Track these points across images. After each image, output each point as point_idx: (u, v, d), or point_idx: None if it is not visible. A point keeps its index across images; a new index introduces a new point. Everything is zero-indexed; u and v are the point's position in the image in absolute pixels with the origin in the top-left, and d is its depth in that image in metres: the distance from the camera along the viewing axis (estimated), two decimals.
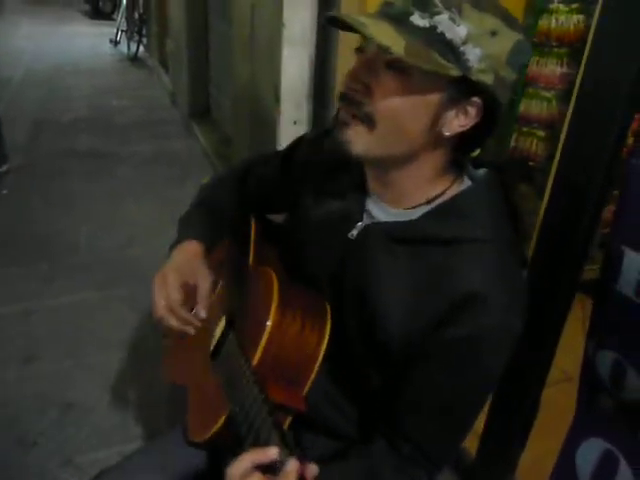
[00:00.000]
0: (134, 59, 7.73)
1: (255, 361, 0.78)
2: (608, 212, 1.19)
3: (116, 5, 10.10)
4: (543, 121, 2.66)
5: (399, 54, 0.65)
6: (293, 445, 0.62)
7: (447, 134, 0.73)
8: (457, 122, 0.72)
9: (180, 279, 0.91)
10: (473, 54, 0.67)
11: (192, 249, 0.98)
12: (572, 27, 2.44)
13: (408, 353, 0.77)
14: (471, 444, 1.56)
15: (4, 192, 3.45)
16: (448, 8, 0.67)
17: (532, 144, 2.72)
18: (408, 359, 0.78)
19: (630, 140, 1.03)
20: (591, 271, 1.23)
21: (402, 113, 0.71)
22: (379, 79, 0.71)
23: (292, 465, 0.59)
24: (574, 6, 2.42)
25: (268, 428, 0.66)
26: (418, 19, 0.67)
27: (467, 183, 0.81)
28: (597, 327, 1.09)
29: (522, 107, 2.75)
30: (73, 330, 2.29)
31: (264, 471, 0.61)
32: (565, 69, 2.54)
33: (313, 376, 0.80)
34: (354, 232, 0.84)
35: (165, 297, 0.89)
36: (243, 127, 3.15)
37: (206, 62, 4.86)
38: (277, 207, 1.10)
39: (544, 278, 1.20)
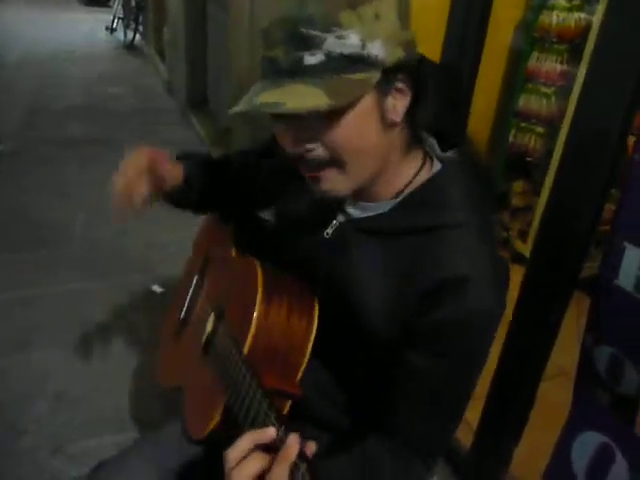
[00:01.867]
0: (130, 47, 7.68)
1: (246, 350, 0.79)
2: (607, 211, 1.19)
3: None
4: (542, 117, 2.67)
5: (328, 107, 0.64)
6: (289, 425, 0.62)
7: (398, 119, 0.72)
8: (399, 103, 0.72)
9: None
10: (375, 48, 0.66)
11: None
12: (573, 24, 2.45)
13: (393, 342, 0.77)
14: (466, 437, 1.57)
15: None
16: (328, 29, 0.64)
17: (530, 140, 2.73)
18: (394, 348, 0.78)
19: (633, 137, 1.02)
20: (587, 268, 1.23)
21: (356, 140, 0.71)
22: (320, 130, 0.69)
23: (292, 439, 0.60)
24: (575, 3, 2.42)
25: (264, 411, 0.67)
26: (310, 58, 0.65)
27: (437, 166, 0.80)
28: (596, 322, 1.10)
29: (521, 102, 2.76)
30: (66, 318, 2.28)
31: (264, 451, 0.62)
32: (565, 66, 2.54)
33: (306, 360, 0.81)
34: (329, 230, 0.85)
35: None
36: (241, 118, 3.13)
37: (204, 51, 4.82)
38: (255, 203, 1.10)
39: (543, 274, 1.20)
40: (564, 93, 2.54)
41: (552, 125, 2.64)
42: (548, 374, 1.36)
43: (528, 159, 2.76)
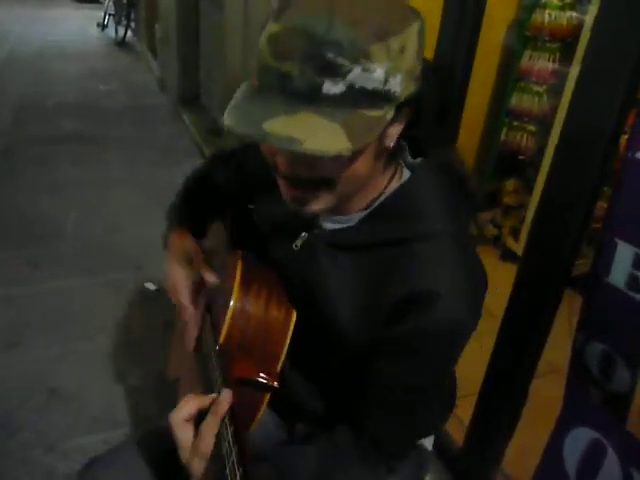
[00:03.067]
0: (122, 44, 7.63)
1: (222, 338, 0.79)
2: (599, 208, 1.20)
3: None
4: (534, 116, 2.68)
5: (349, 150, 0.60)
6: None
7: (392, 145, 0.71)
8: (396, 131, 0.70)
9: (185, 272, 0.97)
10: (396, 83, 0.62)
11: (180, 233, 1.03)
12: (565, 22, 2.46)
13: (363, 350, 0.78)
14: (458, 434, 1.58)
15: None
16: (356, 60, 0.59)
17: (522, 138, 2.75)
18: (364, 356, 0.78)
19: (625, 135, 1.03)
20: (580, 266, 1.24)
21: (355, 172, 0.68)
22: (322, 163, 0.66)
23: (225, 395, 0.67)
24: (567, 1, 2.43)
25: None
26: (331, 87, 0.59)
27: (406, 174, 0.79)
28: (587, 319, 1.10)
29: (513, 101, 2.78)
30: (58, 316, 2.27)
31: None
32: (557, 64, 2.56)
33: (284, 351, 0.80)
34: (298, 242, 0.84)
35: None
36: None
37: (196, 49, 4.81)
38: (241, 201, 1.09)
39: (535, 271, 1.21)
40: (556, 91, 2.55)
41: (544, 123, 2.65)
42: (540, 371, 1.36)
43: (520, 157, 2.77)
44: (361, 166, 0.68)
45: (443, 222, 0.74)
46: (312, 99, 0.60)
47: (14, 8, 9.45)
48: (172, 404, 0.96)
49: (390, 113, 0.64)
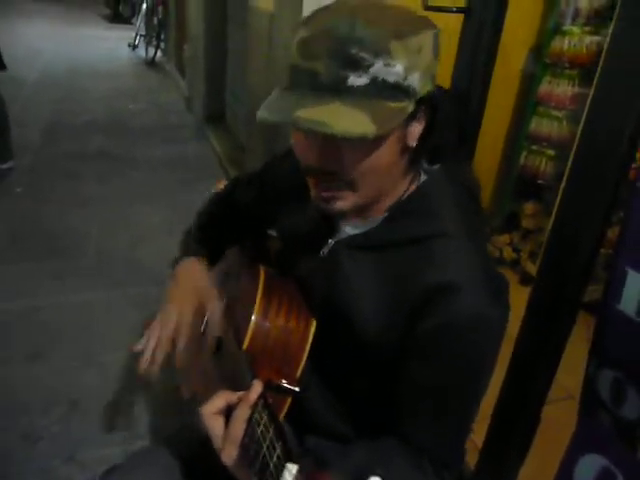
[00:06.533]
0: (151, 63, 7.83)
1: (245, 346, 0.83)
2: (613, 233, 1.21)
3: (135, 10, 10.21)
4: (553, 140, 2.69)
5: (374, 134, 0.65)
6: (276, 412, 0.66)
7: (414, 145, 0.75)
8: (417, 129, 0.74)
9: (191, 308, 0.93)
10: (415, 79, 0.69)
11: (194, 266, 1.02)
12: (585, 49, 2.47)
13: (392, 354, 0.78)
14: (471, 458, 1.58)
15: (18, 190, 3.50)
16: (378, 55, 0.65)
17: (541, 162, 2.75)
18: (393, 359, 0.79)
19: (637, 163, 1.05)
20: (595, 291, 1.25)
21: (377, 165, 0.73)
22: (347, 152, 0.71)
23: (256, 385, 0.68)
24: (587, 28, 2.45)
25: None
26: (356, 79, 0.66)
27: (423, 178, 0.83)
28: (599, 346, 1.11)
29: (532, 125, 2.78)
30: (80, 328, 2.32)
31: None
32: (577, 90, 2.57)
33: (304, 357, 0.84)
34: (325, 250, 0.87)
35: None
36: (257, 135, 3.18)
37: (223, 69, 4.92)
38: (263, 224, 1.12)
39: (548, 295, 1.22)
40: (575, 117, 2.56)
41: (563, 148, 2.66)
42: (556, 397, 1.36)
43: (539, 181, 2.77)
44: (383, 160, 0.73)
45: (457, 224, 0.77)
46: (339, 91, 0.66)
47: (47, 27, 9.74)
48: (190, 415, 1.00)
49: (410, 107, 0.70)
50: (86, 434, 1.82)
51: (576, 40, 2.49)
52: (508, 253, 2.92)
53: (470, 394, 0.80)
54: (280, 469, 0.55)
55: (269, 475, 0.58)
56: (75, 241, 3.01)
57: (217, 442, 0.71)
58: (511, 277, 2.85)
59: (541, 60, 2.72)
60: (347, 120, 0.65)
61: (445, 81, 1.51)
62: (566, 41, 2.53)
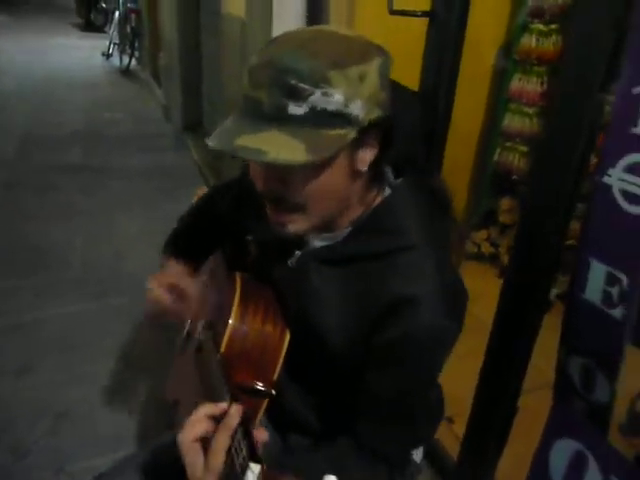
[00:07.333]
0: (126, 72, 7.77)
1: (222, 350, 0.86)
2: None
3: (108, 18, 10.13)
4: (525, 136, 2.74)
5: (307, 162, 0.68)
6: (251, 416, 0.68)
7: (364, 169, 0.77)
8: (368, 155, 0.76)
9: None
10: (357, 107, 0.70)
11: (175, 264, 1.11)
12: (552, 46, 2.53)
13: (355, 362, 0.83)
14: (453, 451, 1.62)
15: None
16: (317, 84, 0.68)
17: (515, 159, 2.80)
18: (354, 369, 0.84)
19: (595, 158, 1.09)
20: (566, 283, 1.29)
21: (323, 190, 0.76)
22: (290, 175, 0.74)
23: (235, 410, 0.66)
24: (553, 27, 2.50)
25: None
26: (295, 108, 0.68)
27: (387, 192, 0.85)
28: (568, 334, 1.15)
29: (505, 122, 2.83)
30: (65, 341, 2.33)
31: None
32: (546, 87, 2.62)
33: (280, 362, 0.87)
34: (292, 261, 0.91)
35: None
36: None
37: (199, 77, 4.90)
38: (241, 232, 1.15)
39: (518, 287, 1.26)
40: (545, 113, 2.61)
41: (535, 144, 2.71)
42: (535, 386, 1.40)
43: (514, 177, 2.82)
44: (329, 184, 0.76)
45: (421, 236, 0.81)
46: (279, 120, 0.69)
47: (20, 39, 9.61)
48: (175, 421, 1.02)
49: (352, 134, 0.72)
50: (75, 446, 1.83)
51: (543, 38, 2.54)
52: (486, 248, 2.98)
53: (422, 399, 0.87)
54: None
55: None
56: (58, 255, 2.99)
57: (196, 470, 0.68)
58: (490, 271, 2.92)
59: (511, 57, 2.78)
60: (281, 148, 0.68)
61: (414, 83, 1.55)
62: (533, 39, 2.58)
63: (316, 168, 0.73)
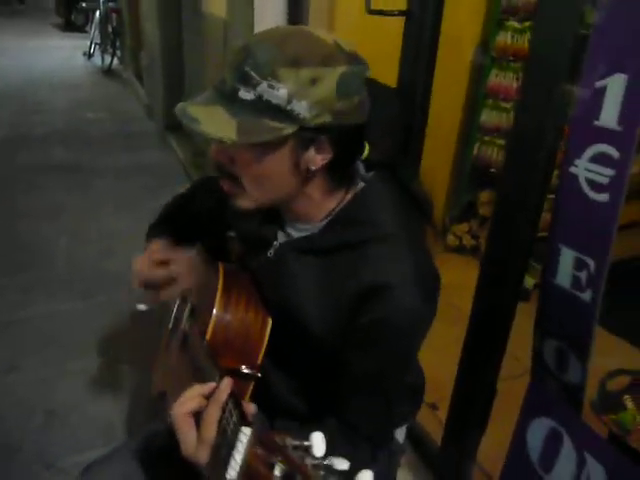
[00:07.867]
0: (108, 72, 7.72)
1: (208, 337, 0.89)
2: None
3: (89, 18, 10.04)
4: (503, 131, 2.81)
5: (231, 140, 0.74)
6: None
7: (314, 168, 0.81)
8: (318, 157, 0.80)
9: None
10: (301, 107, 0.74)
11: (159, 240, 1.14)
12: (526, 43, 2.59)
13: (332, 346, 0.87)
14: (436, 435, 1.67)
15: None
16: (265, 76, 0.73)
17: (493, 152, 2.87)
18: (334, 352, 0.88)
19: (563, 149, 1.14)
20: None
21: (261, 175, 0.81)
22: (235, 153, 0.81)
23: (225, 383, 0.71)
24: (526, 24, 2.56)
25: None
26: (245, 93, 0.75)
27: (360, 185, 0.89)
28: (541, 318, 1.20)
29: (483, 117, 2.90)
30: (52, 339, 2.34)
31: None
32: (521, 82, 2.68)
33: (263, 347, 0.91)
34: (271, 251, 0.95)
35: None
36: None
37: (181, 76, 4.91)
38: (223, 225, 1.18)
39: (493, 279, 1.31)
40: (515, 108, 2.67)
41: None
42: (515, 372, 1.45)
43: (492, 170, 2.89)
44: (268, 172, 0.81)
45: (394, 227, 0.85)
46: (231, 100, 0.76)
47: None
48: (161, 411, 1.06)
49: (288, 130, 0.76)
50: (65, 441, 1.85)
51: (517, 35, 2.61)
52: (468, 240, 3.04)
53: (399, 379, 0.92)
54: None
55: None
56: (43, 254, 3.00)
57: (189, 446, 0.71)
58: (472, 263, 2.97)
59: (488, 54, 2.84)
60: (215, 123, 0.75)
61: (392, 80, 1.60)
62: (509, 36, 2.64)
63: (258, 153, 0.78)
